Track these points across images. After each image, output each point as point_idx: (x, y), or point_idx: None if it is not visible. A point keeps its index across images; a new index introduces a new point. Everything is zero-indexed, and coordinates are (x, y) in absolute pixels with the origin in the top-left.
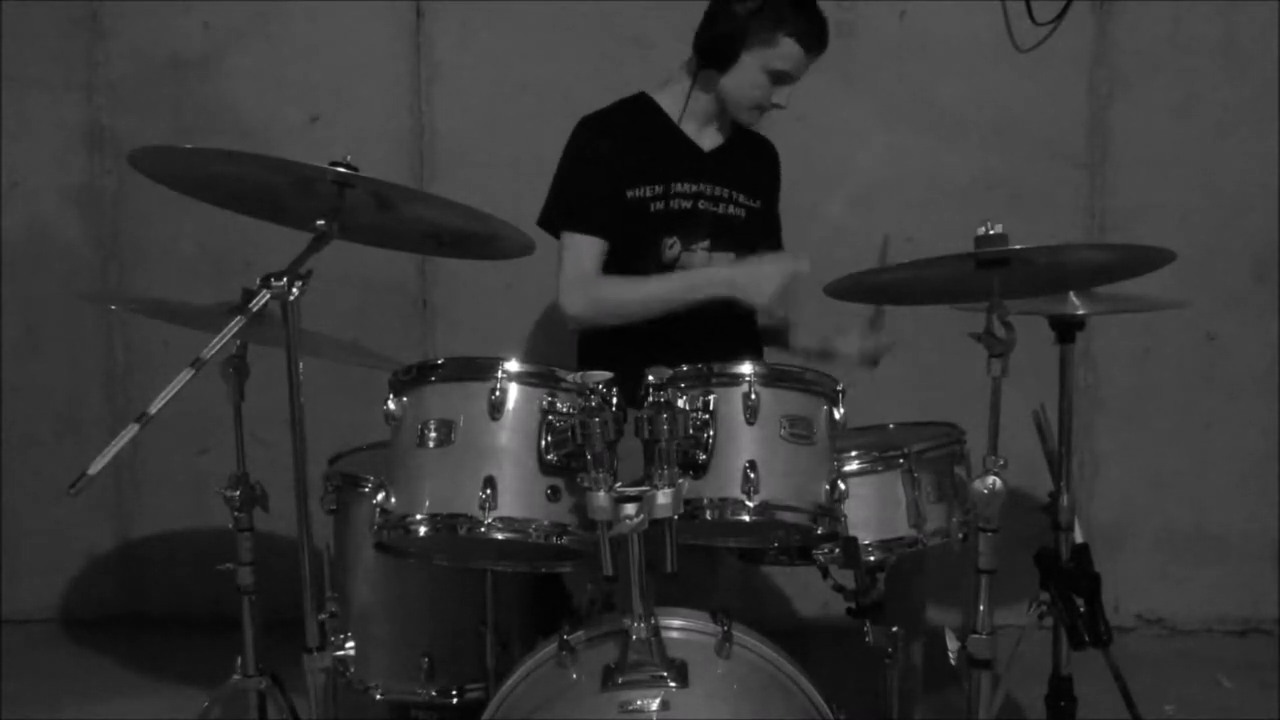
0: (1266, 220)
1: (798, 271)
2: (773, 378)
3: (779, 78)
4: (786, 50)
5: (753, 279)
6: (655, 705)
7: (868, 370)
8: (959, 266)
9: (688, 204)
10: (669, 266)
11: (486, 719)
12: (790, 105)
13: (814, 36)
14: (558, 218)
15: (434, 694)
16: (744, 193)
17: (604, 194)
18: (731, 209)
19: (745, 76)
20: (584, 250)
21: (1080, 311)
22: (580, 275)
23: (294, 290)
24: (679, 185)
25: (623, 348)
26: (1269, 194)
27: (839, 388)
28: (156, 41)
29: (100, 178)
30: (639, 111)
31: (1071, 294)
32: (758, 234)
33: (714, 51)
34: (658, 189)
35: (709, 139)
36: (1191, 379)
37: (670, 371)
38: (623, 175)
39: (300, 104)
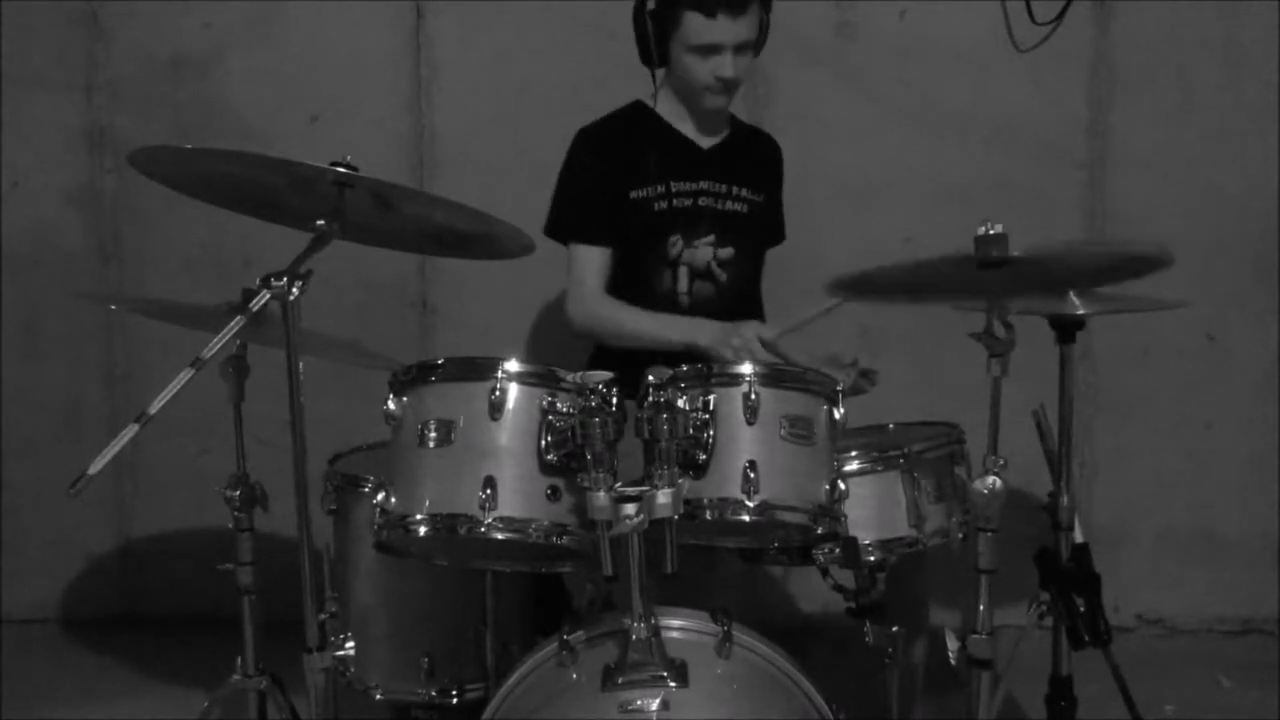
0: (1266, 220)
1: (763, 339)
2: (773, 378)
3: (706, 51)
4: (693, 23)
5: (723, 341)
6: (655, 705)
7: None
8: (959, 266)
9: (689, 201)
10: (674, 263)
11: (486, 719)
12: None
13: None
14: (564, 229)
15: (434, 694)
16: (746, 187)
17: (606, 201)
18: (733, 204)
19: (680, 64)
20: (589, 262)
21: (1080, 311)
22: (585, 289)
23: (294, 290)
24: (679, 184)
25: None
26: (1269, 194)
27: (839, 388)
28: (156, 41)
29: (100, 178)
30: (635, 117)
31: (1071, 294)
32: (762, 227)
33: (648, 55)
34: (659, 189)
35: (708, 137)
36: (1191, 379)
37: (670, 371)
38: (624, 178)
39: (300, 104)
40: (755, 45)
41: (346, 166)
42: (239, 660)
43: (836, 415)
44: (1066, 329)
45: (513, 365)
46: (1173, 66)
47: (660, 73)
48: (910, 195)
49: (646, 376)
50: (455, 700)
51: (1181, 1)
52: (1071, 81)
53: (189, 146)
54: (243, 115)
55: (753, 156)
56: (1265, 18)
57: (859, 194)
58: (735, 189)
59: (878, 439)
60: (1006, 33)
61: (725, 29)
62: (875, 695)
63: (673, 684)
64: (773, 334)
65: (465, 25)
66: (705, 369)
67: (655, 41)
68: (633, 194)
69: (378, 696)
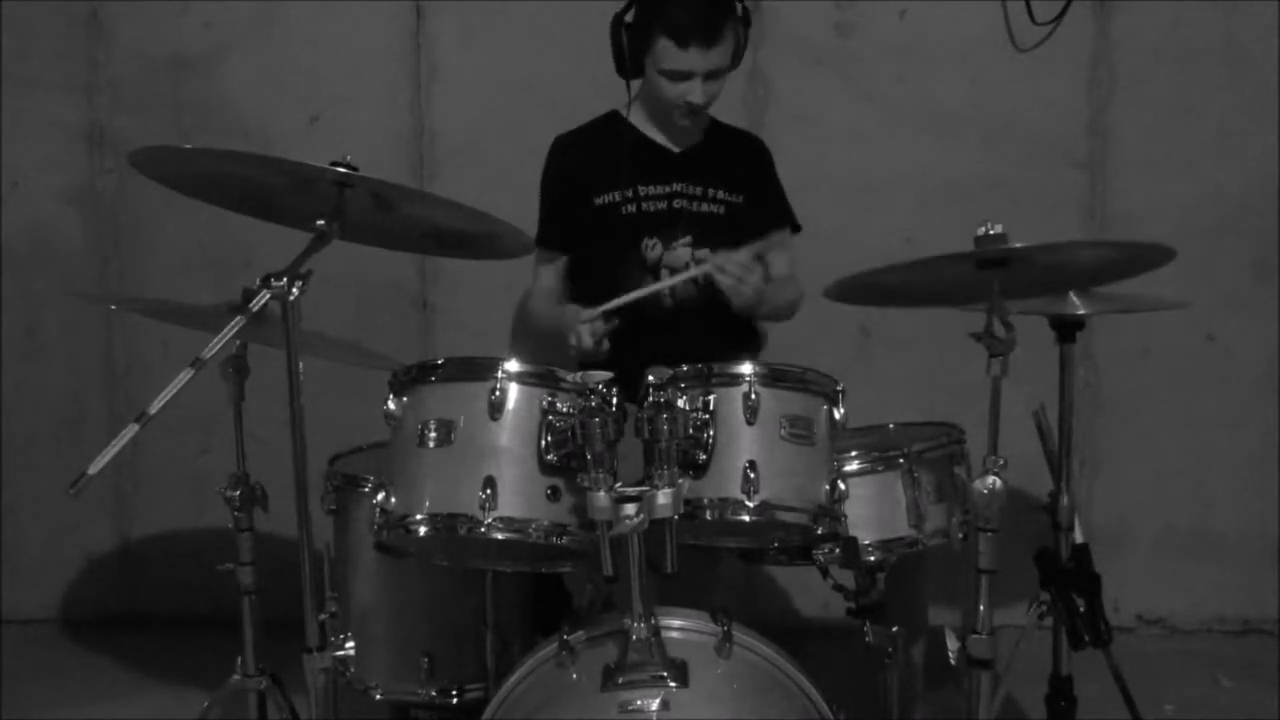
0: (1266, 220)
1: (587, 325)
2: (773, 378)
3: (675, 76)
4: (664, 49)
5: (567, 327)
6: (655, 705)
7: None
8: (959, 267)
9: (662, 205)
10: (653, 266)
11: (486, 719)
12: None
13: (683, 28)
14: (537, 235)
15: (434, 694)
16: (723, 189)
17: (565, 209)
18: (709, 206)
19: (651, 82)
20: (541, 270)
21: (1080, 311)
22: (530, 290)
23: (294, 290)
24: (649, 188)
25: (625, 348)
26: (1269, 194)
27: (839, 388)
28: (157, 41)
29: (100, 178)
30: (606, 125)
31: (1071, 294)
32: (745, 228)
33: (622, 67)
34: (627, 193)
35: (681, 142)
36: (1191, 379)
37: (670, 371)
38: (589, 185)
39: (300, 104)
40: (731, 64)
41: (346, 166)
42: (239, 660)
43: (836, 415)
44: (1066, 329)
45: (513, 365)
46: (1173, 66)
47: (636, 81)
48: (910, 195)
49: (646, 376)
50: (455, 700)
51: (1181, 1)
52: (1071, 81)
53: (189, 146)
54: (243, 115)
55: (730, 158)
56: (1265, 18)
57: (859, 194)
58: (711, 191)
59: (878, 439)
60: (1006, 32)
61: (696, 59)
62: (875, 695)
63: (673, 684)
64: (591, 313)
65: (465, 25)
66: (705, 369)
67: (630, 55)
68: (597, 200)
69: (378, 696)
